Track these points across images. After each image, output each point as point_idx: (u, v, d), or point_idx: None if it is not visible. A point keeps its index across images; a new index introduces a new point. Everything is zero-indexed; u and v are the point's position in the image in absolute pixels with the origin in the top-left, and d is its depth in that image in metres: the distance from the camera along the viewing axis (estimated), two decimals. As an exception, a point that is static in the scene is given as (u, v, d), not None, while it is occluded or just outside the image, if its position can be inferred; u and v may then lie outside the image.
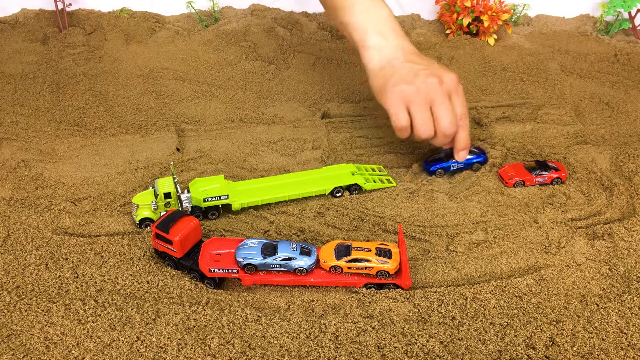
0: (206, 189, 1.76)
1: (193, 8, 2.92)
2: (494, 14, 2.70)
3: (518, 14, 2.96)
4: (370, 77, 1.87)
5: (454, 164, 1.93)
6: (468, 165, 1.96)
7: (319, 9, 3.01)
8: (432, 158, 1.98)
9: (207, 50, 2.71)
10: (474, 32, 2.81)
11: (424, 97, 1.73)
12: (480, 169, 1.97)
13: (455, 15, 2.77)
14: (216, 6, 2.90)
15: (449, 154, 1.93)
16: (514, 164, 1.97)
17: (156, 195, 1.71)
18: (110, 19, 2.84)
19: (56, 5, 2.74)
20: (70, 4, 2.79)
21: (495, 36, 2.79)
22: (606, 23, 2.93)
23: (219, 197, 1.75)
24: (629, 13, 2.83)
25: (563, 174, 1.91)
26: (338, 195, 1.87)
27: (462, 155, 1.89)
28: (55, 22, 2.79)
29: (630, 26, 2.86)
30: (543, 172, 1.90)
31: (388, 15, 1.91)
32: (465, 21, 2.73)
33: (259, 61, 2.64)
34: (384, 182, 1.92)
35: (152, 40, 2.76)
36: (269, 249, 1.50)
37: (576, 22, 2.98)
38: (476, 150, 1.97)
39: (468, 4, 2.69)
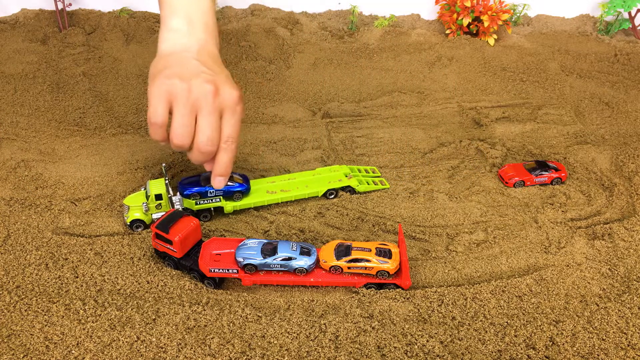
0: None
1: (193, 8, 2.91)
2: (494, 14, 2.70)
3: (518, 14, 2.96)
4: (155, 58, 1.65)
5: (211, 190, 1.74)
6: (228, 194, 1.77)
7: (319, 9, 3.02)
8: (188, 180, 1.78)
9: (207, 50, 2.71)
10: (474, 32, 2.81)
11: (192, 102, 1.49)
12: (242, 198, 1.79)
13: (455, 15, 2.77)
14: (216, 6, 2.90)
15: (208, 178, 1.70)
16: (514, 164, 1.97)
17: (147, 197, 1.70)
18: (110, 19, 2.84)
19: (56, 5, 2.74)
20: (70, 4, 2.79)
21: (495, 36, 2.78)
22: (606, 23, 2.93)
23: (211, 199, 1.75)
24: (629, 13, 2.83)
25: (563, 174, 1.91)
26: (331, 197, 1.87)
27: (218, 182, 1.62)
28: (55, 22, 2.79)
29: (630, 26, 2.86)
30: (543, 172, 1.90)
31: (208, 7, 1.69)
32: (465, 21, 2.73)
33: (259, 61, 2.64)
34: (377, 185, 1.92)
35: (152, 40, 2.76)
36: (269, 249, 1.50)
37: (576, 22, 2.98)
38: (240, 178, 1.79)
39: (468, 4, 2.69)
